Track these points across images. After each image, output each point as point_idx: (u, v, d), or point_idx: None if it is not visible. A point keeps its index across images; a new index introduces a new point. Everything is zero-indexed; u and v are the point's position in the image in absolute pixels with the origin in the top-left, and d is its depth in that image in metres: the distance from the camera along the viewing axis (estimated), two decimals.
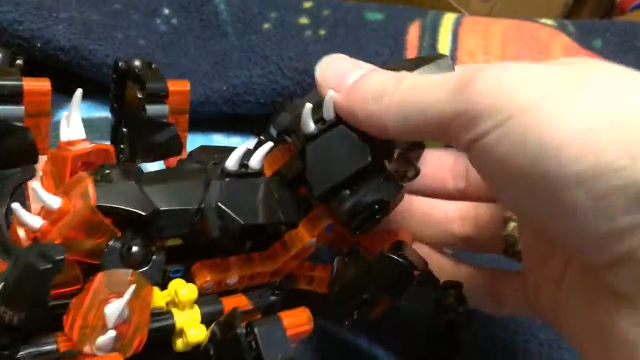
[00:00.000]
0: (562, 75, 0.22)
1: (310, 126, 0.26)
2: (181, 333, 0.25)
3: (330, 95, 0.26)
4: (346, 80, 0.26)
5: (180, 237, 0.27)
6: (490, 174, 0.24)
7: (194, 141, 0.46)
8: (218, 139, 0.47)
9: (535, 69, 0.22)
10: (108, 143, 0.33)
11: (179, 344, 0.25)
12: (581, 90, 0.21)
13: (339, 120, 0.27)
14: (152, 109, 0.30)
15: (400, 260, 0.27)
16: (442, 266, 0.33)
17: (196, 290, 0.26)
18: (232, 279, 0.28)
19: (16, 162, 0.29)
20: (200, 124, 0.46)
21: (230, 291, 0.28)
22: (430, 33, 0.48)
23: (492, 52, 0.47)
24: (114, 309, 0.22)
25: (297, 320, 0.26)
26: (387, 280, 0.28)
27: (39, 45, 0.43)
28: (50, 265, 0.21)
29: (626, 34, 0.52)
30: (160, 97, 0.31)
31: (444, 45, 0.48)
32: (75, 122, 0.29)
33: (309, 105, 0.26)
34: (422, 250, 0.32)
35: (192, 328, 0.25)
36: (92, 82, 0.45)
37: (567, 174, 0.20)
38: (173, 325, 0.25)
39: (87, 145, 0.28)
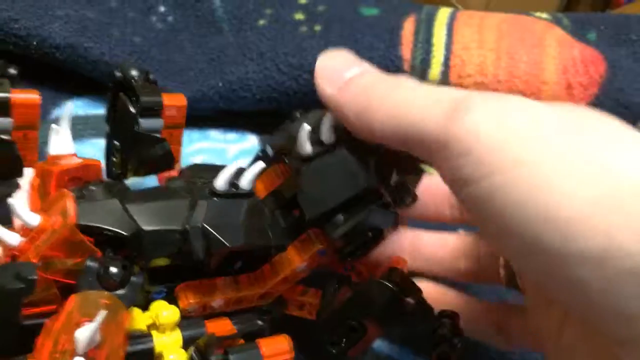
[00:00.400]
0: (562, 128, 0.18)
1: (307, 148, 0.24)
2: (160, 357, 0.23)
3: (328, 118, 0.24)
4: (343, 76, 0.24)
5: (166, 258, 0.24)
6: (481, 226, 0.20)
7: (190, 137, 0.45)
8: (214, 135, 0.45)
9: (535, 114, 0.19)
10: (104, 141, 0.31)
11: None
12: (584, 151, 0.18)
13: (337, 143, 0.24)
14: (145, 122, 0.28)
15: (390, 286, 0.25)
16: (445, 301, 0.30)
17: (178, 313, 0.24)
18: (218, 302, 0.25)
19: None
20: (196, 120, 0.45)
21: (217, 314, 0.26)
22: (426, 27, 0.46)
23: (487, 46, 0.45)
24: (85, 334, 0.19)
25: (276, 349, 0.24)
26: (376, 307, 0.26)
27: (35, 43, 0.41)
28: (21, 286, 0.20)
29: (620, 26, 0.49)
30: (155, 111, 0.29)
31: (439, 40, 0.45)
32: (65, 136, 0.27)
33: (306, 127, 0.24)
34: (422, 285, 0.30)
35: (172, 352, 0.23)
36: (88, 79, 0.43)
37: (574, 251, 0.17)
38: (152, 349, 0.23)
39: (75, 160, 0.26)
